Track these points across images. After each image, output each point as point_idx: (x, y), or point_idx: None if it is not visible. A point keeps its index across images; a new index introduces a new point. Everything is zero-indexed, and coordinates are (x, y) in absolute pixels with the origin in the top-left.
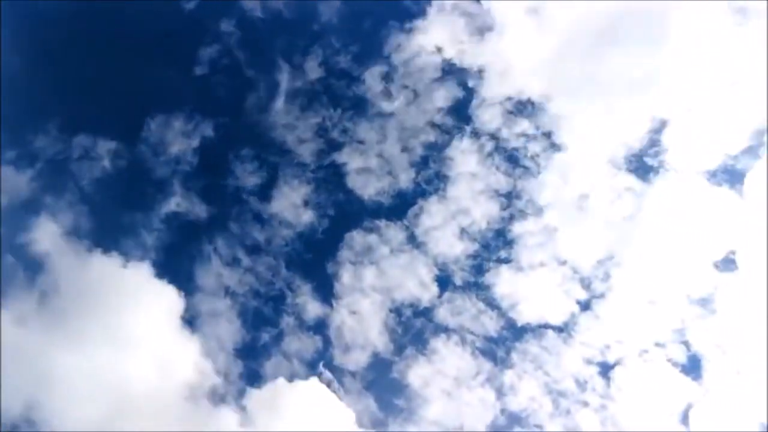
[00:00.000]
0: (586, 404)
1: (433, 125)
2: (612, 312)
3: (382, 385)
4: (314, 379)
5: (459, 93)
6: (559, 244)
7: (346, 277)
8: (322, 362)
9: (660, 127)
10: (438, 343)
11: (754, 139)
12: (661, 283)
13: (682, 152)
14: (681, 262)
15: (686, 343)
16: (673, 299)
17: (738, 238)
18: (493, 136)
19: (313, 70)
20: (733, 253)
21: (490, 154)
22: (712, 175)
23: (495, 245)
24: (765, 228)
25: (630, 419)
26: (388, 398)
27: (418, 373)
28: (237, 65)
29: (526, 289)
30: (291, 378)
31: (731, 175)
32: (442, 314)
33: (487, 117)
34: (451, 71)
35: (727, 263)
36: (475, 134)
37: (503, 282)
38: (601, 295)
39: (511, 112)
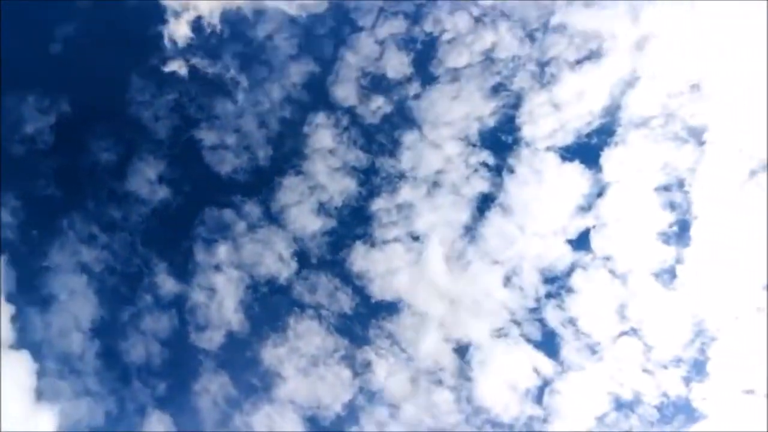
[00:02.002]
0: (441, 383)
1: (290, 101)
2: (468, 289)
3: (236, 363)
4: None
5: (315, 68)
6: (416, 221)
7: (201, 253)
8: None
9: (516, 103)
10: (295, 321)
11: (609, 115)
12: (516, 260)
13: (536, 129)
14: (536, 239)
15: (541, 321)
16: (528, 277)
17: (593, 215)
18: (349, 112)
19: (169, 47)
20: (587, 231)
21: (346, 130)
22: (566, 151)
23: (352, 222)
24: (620, 206)
25: (485, 397)
26: (243, 377)
27: (273, 352)
28: (93, 42)
29: (382, 266)
30: None
31: (586, 153)
32: (299, 291)
33: (343, 93)
34: (307, 47)
35: (582, 241)
36: (331, 110)
37: (360, 259)
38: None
39: (366, 88)
